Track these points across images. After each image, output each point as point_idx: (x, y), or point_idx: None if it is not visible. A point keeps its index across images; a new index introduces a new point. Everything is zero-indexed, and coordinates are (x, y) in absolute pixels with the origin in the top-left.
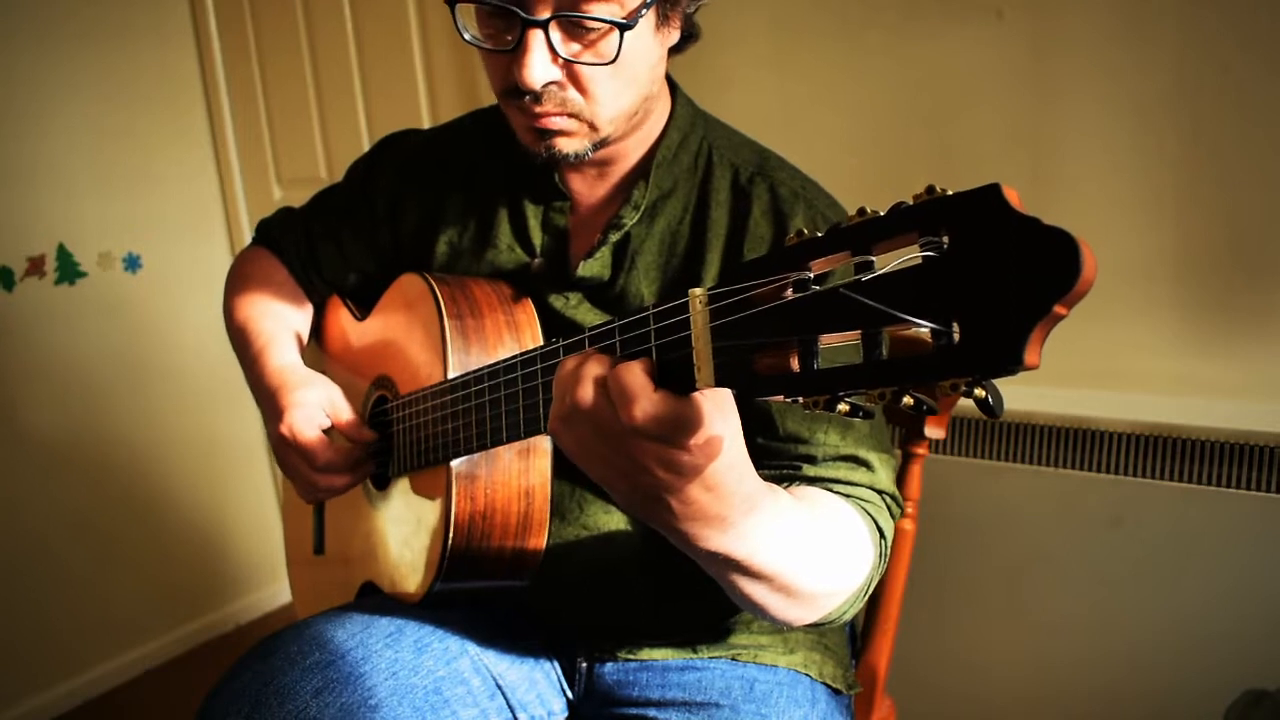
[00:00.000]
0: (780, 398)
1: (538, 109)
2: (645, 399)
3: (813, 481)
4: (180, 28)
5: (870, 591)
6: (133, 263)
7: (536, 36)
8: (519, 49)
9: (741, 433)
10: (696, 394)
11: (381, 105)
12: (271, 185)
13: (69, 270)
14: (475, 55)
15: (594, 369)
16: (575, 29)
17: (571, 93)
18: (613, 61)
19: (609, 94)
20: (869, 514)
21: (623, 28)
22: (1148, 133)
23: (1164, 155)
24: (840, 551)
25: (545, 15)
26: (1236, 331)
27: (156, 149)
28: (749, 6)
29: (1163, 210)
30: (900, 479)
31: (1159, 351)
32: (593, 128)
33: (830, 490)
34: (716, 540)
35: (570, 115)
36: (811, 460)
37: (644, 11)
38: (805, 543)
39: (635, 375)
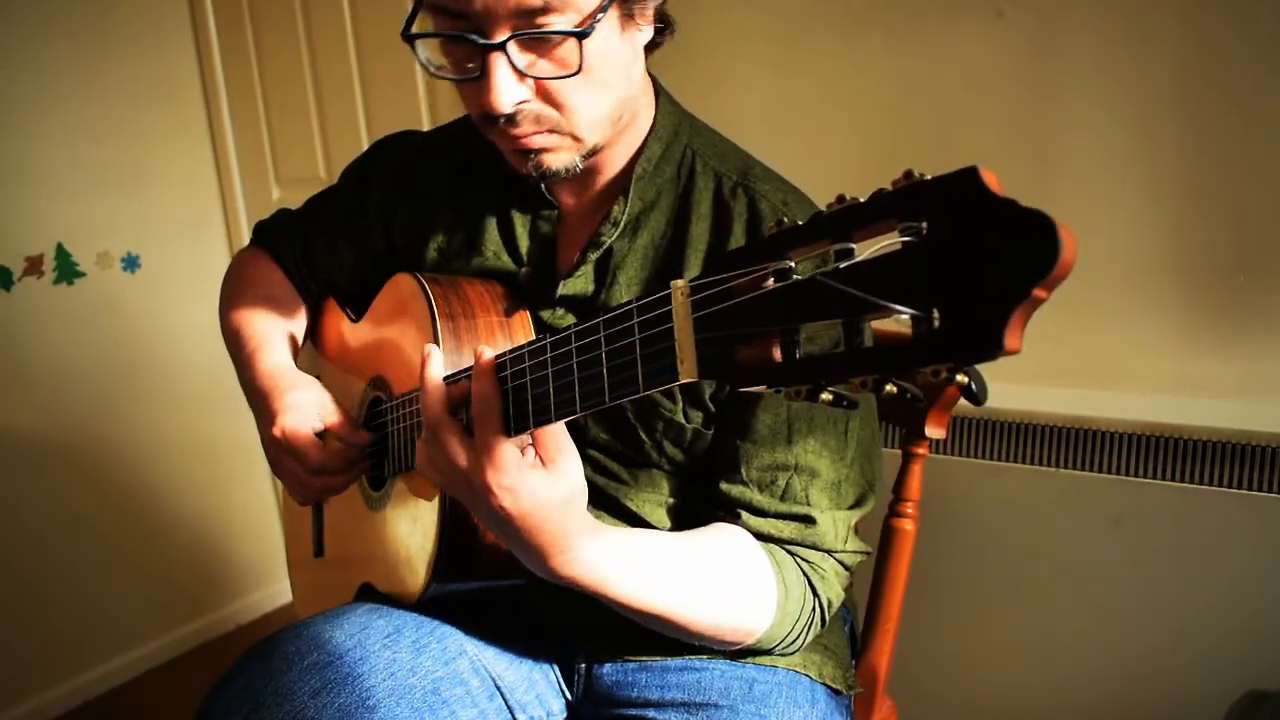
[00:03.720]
0: (763, 388)
1: (515, 131)
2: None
3: (757, 535)
4: (179, 27)
5: (810, 626)
6: (131, 262)
7: (498, 60)
8: (483, 75)
9: (581, 471)
10: (537, 431)
11: (380, 105)
12: (270, 185)
13: (67, 270)
14: None
15: (452, 428)
16: (535, 44)
17: (546, 108)
18: (577, 72)
19: (584, 103)
20: (802, 572)
21: (580, 36)
22: (1148, 131)
23: (1164, 154)
24: (716, 583)
25: (503, 37)
26: (1236, 331)
27: (155, 148)
28: (749, 6)
29: (1163, 209)
30: (900, 479)
31: (1159, 351)
32: (575, 139)
33: (774, 546)
34: (559, 559)
35: (550, 131)
36: (762, 514)
37: (600, 16)
38: (660, 569)
39: (497, 434)
